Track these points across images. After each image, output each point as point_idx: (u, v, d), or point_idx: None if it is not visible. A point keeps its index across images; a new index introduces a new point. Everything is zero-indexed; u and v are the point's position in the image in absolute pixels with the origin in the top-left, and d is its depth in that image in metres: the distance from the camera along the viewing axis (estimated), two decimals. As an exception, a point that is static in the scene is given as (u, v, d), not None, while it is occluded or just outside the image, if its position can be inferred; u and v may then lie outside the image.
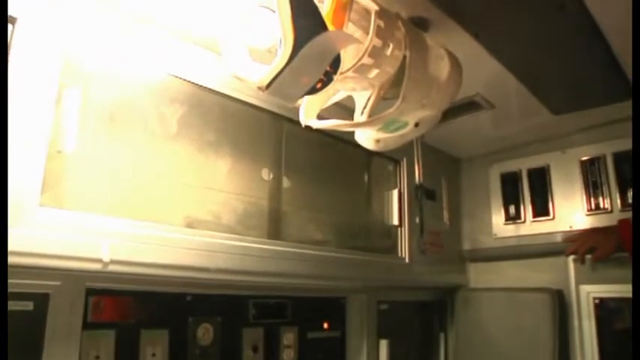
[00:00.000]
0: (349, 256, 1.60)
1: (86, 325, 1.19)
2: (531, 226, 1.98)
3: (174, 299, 1.33)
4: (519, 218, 2.00)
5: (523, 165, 2.04)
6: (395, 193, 1.83)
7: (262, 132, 1.53)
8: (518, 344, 1.86)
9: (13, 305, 1.05)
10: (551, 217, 1.93)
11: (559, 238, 1.87)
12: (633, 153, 1.13)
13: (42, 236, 1.02)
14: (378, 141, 1.24)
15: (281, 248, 1.42)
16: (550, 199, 1.94)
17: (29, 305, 1.10)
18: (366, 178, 1.86)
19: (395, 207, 1.82)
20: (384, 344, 1.76)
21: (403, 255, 1.81)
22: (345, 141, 1.62)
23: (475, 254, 2.12)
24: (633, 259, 1.09)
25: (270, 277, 1.37)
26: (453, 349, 2.08)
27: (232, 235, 1.33)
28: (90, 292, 1.19)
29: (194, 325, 1.36)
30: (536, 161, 2.01)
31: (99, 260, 1.11)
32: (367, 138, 1.24)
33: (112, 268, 1.12)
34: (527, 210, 1.98)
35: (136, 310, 1.27)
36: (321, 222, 1.65)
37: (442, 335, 2.10)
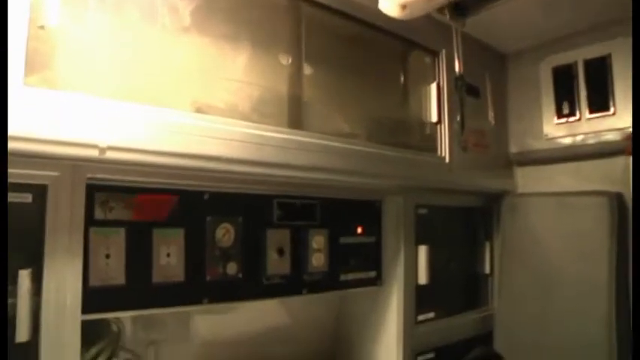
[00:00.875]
0: (382, 151, 1.45)
1: (93, 222, 1.10)
2: (587, 124, 1.78)
3: (190, 197, 1.23)
4: (574, 115, 1.79)
5: (579, 56, 1.81)
6: (433, 87, 1.65)
7: (278, 16, 1.36)
8: (572, 252, 1.70)
9: (10, 197, 0.95)
10: (611, 112, 1.72)
11: (619, 136, 1.66)
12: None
13: (29, 119, 0.91)
14: (403, 7, 1.06)
15: (304, 139, 1.28)
16: (610, 92, 1.71)
17: (27, 197, 1.00)
18: (401, 71, 1.68)
19: (433, 102, 1.65)
20: (423, 250, 1.63)
21: (443, 154, 1.65)
22: (376, 28, 1.45)
23: (523, 157, 1.93)
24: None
25: (291, 170, 1.24)
26: (498, 257, 1.93)
27: (248, 123, 1.19)
28: (96, 187, 1.10)
29: (213, 225, 1.26)
30: (594, 51, 1.77)
31: (95, 146, 0.99)
32: (392, 3, 1.07)
33: (110, 155, 1.01)
34: (583, 106, 1.77)
35: (147, 207, 1.16)
36: (350, 114, 1.50)
37: (487, 244, 1.94)
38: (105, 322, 1.21)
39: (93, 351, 1.13)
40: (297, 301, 1.67)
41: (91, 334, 1.17)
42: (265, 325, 1.65)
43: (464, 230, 1.89)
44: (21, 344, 0.96)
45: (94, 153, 1.00)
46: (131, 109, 1.03)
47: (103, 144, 1.00)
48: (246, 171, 1.16)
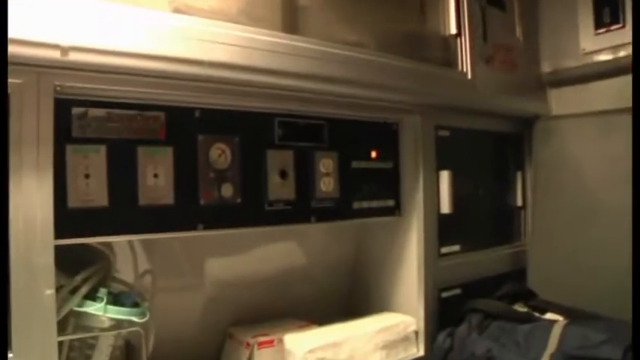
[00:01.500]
0: (394, 62, 1.30)
1: (70, 140, 1.01)
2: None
3: (178, 114, 1.12)
4: (617, 22, 1.58)
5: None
6: (451, -5, 1.47)
7: None
8: (613, 178, 1.52)
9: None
10: (662, 15, 1.50)
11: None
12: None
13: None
14: None
15: (301, 44, 1.15)
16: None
17: (-12, 107, 0.90)
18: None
19: (452, 12, 1.48)
20: (445, 176, 1.48)
21: (464, 69, 1.48)
22: None
23: (557, 76, 1.75)
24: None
25: (285, 78, 1.12)
26: (531, 189, 1.77)
27: (233, 25, 1.05)
28: (73, 102, 1.00)
29: (205, 145, 1.15)
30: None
31: (56, 46, 0.88)
32: None
33: (74, 57, 0.91)
34: (627, 10, 1.55)
35: (130, 124, 1.05)
36: (357, 22, 1.34)
37: (519, 174, 1.79)
38: (94, 249, 1.12)
39: (78, 279, 1.04)
40: (312, 239, 1.59)
41: (78, 260, 1.09)
42: (280, 266, 1.55)
43: (493, 158, 1.73)
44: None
45: (55, 54, 0.89)
46: (98, 7, 0.91)
47: (65, 44, 0.89)
48: (232, 77, 1.05)
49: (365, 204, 1.41)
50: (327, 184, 1.31)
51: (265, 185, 1.22)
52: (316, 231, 1.60)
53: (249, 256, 1.48)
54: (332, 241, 1.63)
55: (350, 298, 1.68)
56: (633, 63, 1.10)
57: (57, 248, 0.95)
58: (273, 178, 1.23)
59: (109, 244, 1.16)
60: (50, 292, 0.93)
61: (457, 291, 1.55)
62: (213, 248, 1.42)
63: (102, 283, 1.09)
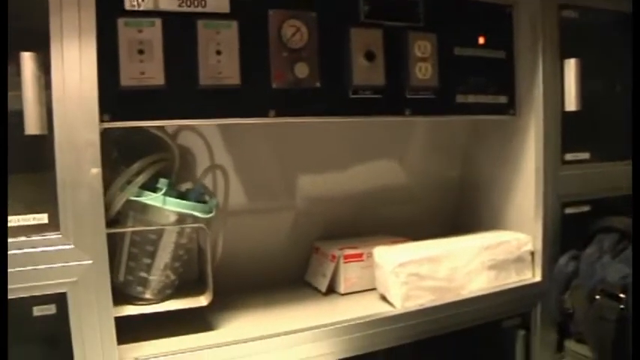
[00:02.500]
0: None
1: (123, 13, 0.89)
2: None
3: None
4: None
5: None
6: None
7: None
8: None
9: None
10: None
11: None
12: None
13: None
14: None
15: None
16: None
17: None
18: None
19: None
20: (571, 65, 1.20)
21: None
22: None
23: None
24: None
25: None
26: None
27: None
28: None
29: (277, 21, 0.99)
30: None
31: None
32: None
33: None
34: None
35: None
36: None
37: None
38: (159, 139, 1.01)
39: (135, 167, 0.92)
40: (411, 151, 1.43)
41: (142, 146, 0.98)
42: (374, 182, 1.39)
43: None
44: (35, 137, 0.79)
45: None
46: None
47: None
48: None
49: (471, 98, 1.18)
50: (423, 71, 1.10)
51: (349, 68, 1.03)
52: (415, 141, 1.42)
53: (340, 171, 1.35)
54: (433, 153, 1.43)
55: (454, 217, 1.48)
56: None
57: (113, 134, 0.85)
58: (359, 60, 1.04)
59: (174, 135, 1.04)
60: (96, 170, 0.81)
61: (585, 208, 1.29)
62: (301, 157, 1.30)
63: (164, 174, 0.96)
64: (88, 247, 0.83)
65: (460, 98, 1.17)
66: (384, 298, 1.13)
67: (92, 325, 0.85)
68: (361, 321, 1.05)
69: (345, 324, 1.03)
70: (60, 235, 0.82)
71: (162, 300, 0.99)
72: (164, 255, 0.97)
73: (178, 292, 1.03)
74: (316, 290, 1.21)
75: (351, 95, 1.05)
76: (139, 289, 0.97)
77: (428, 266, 1.10)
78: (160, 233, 0.96)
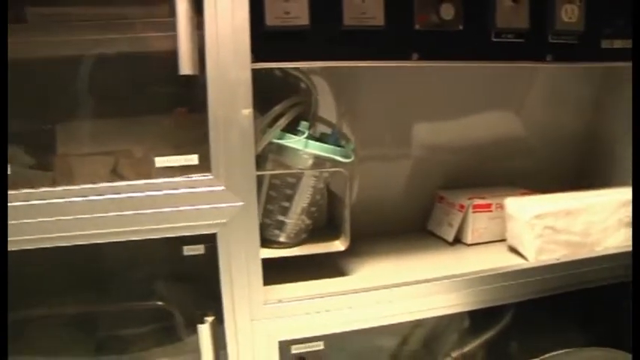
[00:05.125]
0: None
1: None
2: None
3: None
4: None
5: None
6: None
7: None
8: None
9: None
10: None
11: None
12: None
13: None
14: None
15: None
16: None
17: None
18: None
19: None
20: None
21: None
22: None
23: None
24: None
25: None
26: None
27: None
28: None
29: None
30: None
31: None
32: None
33: None
34: None
35: None
36: None
37: None
38: (293, 80, 0.99)
39: (276, 109, 0.91)
40: (531, 106, 1.35)
41: (275, 90, 0.97)
42: (496, 133, 1.34)
43: None
44: (186, 77, 0.79)
45: None
46: None
47: None
48: None
49: (618, 43, 1.09)
50: (569, 13, 1.02)
51: (493, 9, 0.97)
52: (536, 91, 1.35)
53: (458, 123, 1.30)
54: (556, 104, 1.34)
55: (578, 171, 1.40)
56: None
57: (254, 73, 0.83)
58: (504, 1, 0.97)
59: (309, 77, 1.01)
60: (248, 111, 0.80)
61: None
62: (419, 104, 1.26)
63: (303, 117, 0.95)
64: (239, 188, 0.83)
65: (605, 43, 1.09)
66: (514, 251, 1.10)
67: (240, 266, 0.86)
68: (494, 272, 1.02)
69: (477, 275, 1.01)
70: (211, 177, 0.82)
71: (297, 244, 0.99)
72: (302, 199, 0.97)
73: (310, 236, 1.02)
74: (441, 239, 1.19)
75: (493, 38, 0.99)
76: (276, 232, 0.97)
77: (564, 219, 1.06)
78: (299, 177, 0.96)
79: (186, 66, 0.79)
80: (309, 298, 0.91)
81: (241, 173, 0.83)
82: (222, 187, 0.83)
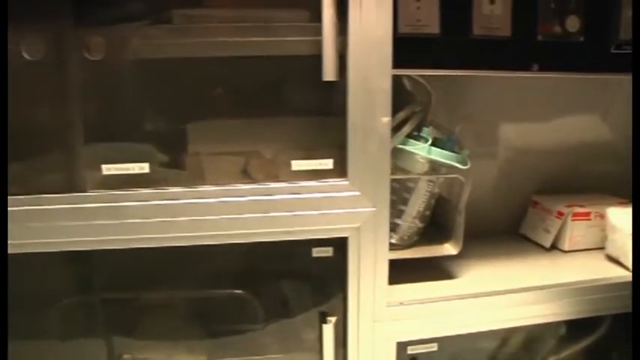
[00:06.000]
0: None
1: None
2: None
3: None
4: None
5: None
6: None
7: None
8: None
9: None
10: None
11: None
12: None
13: None
14: None
15: None
16: None
17: None
18: None
19: None
20: None
21: None
22: None
23: None
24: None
25: None
26: None
27: None
28: None
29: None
30: None
31: None
32: None
33: None
34: None
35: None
36: None
37: None
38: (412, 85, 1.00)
39: (401, 115, 0.92)
40: (617, 110, 1.34)
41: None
42: (585, 139, 1.34)
43: None
44: (330, 83, 0.80)
45: None
46: None
47: None
48: None
49: None
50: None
51: (617, 20, 0.97)
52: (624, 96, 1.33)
53: (547, 126, 1.30)
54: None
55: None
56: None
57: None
58: (627, 14, 0.97)
59: (428, 83, 1.02)
60: (386, 120, 0.82)
61: None
62: (511, 108, 1.27)
63: (421, 123, 0.96)
64: (372, 194, 0.85)
65: None
66: (614, 261, 1.11)
67: (368, 268, 0.88)
68: (596, 283, 1.03)
69: (581, 285, 1.02)
70: (347, 182, 0.84)
71: (408, 246, 1.01)
72: (418, 202, 0.99)
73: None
74: (536, 245, 1.20)
75: (613, 50, 0.99)
76: (390, 234, 0.98)
77: (669, 232, 1.06)
78: (416, 181, 0.97)
79: (329, 72, 0.80)
80: (430, 302, 0.93)
81: (376, 180, 0.85)
82: (358, 193, 0.84)
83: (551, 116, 1.29)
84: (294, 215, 0.84)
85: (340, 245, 0.87)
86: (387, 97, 0.83)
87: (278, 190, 0.84)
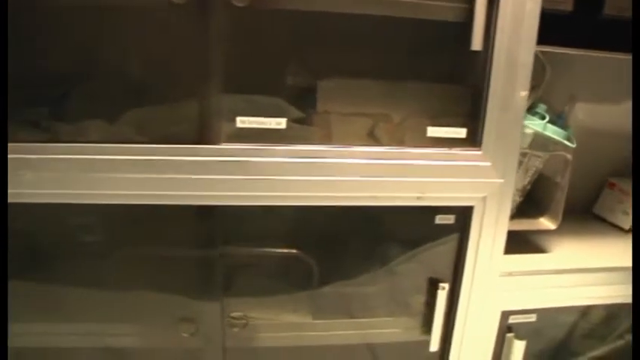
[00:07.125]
0: None
1: None
2: None
3: None
4: None
5: None
6: None
7: None
8: None
9: None
10: None
11: None
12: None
13: None
14: None
15: None
16: None
17: None
18: None
19: None
20: None
21: None
22: None
23: None
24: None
25: None
26: None
27: None
28: None
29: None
30: None
31: None
32: None
33: None
34: None
35: None
36: None
37: None
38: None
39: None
40: None
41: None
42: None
43: None
44: (471, 52, 0.81)
45: None
46: None
47: None
48: None
49: None
50: None
51: None
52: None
53: (617, 108, 1.30)
54: None
55: None
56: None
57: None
58: None
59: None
60: (524, 93, 0.82)
61: None
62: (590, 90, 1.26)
63: (536, 100, 0.97)
64: (502, 166, 0.86)
65: None
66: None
67: (487, 237, 0.90)
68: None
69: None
70: (479, 152, 0.85)
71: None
72: (525, 177, 1.00)
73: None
74: (612, 226, 1.23)
75: None
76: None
77: None
78: (527, 156, 0.98)
79: (477, 42, 0.80)
80: (535, 274, 0.95)
81: (507, 152, 0.86)
82: (489, 164, 0.86)
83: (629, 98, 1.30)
84: (425, 181, 0.85)
85: (462, 213, 0.88)
86: (528, 71, 0.84)
87: (410, 154, 0.84)
